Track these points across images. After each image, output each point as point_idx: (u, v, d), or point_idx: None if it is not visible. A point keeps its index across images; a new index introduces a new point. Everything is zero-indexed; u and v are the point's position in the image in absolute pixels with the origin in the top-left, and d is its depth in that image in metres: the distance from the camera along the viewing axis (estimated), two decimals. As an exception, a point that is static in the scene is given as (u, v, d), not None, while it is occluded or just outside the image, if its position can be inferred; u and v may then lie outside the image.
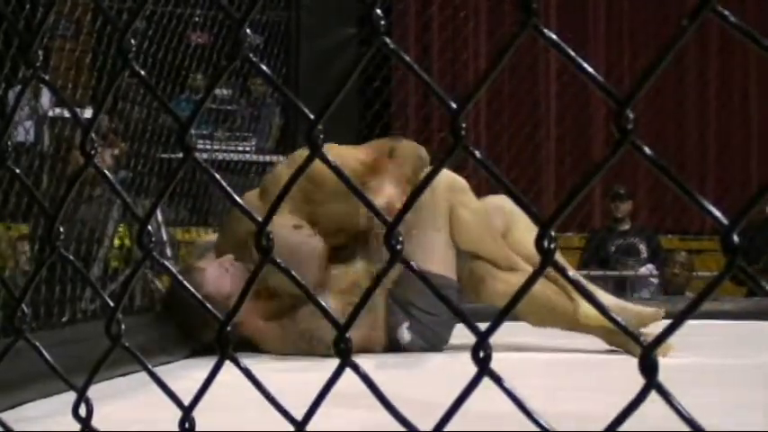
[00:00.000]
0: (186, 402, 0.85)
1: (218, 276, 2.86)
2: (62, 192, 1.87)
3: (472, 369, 0.67)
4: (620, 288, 6.23)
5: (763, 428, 1.72)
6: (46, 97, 4.64)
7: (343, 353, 0.74)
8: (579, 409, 1.91)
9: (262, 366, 2.48)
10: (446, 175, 2.97)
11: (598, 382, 2.44)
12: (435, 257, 2.95)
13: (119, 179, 4.14)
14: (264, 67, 0.78)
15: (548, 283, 2.82)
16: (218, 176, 0.82)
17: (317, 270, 2.87)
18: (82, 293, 3.69)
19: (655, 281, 6.62)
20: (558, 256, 0.64)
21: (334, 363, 0.75)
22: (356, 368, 0.74)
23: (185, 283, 0.90)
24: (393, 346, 3.01)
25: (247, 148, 6.02)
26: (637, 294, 6.09)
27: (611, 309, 0.65)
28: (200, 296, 0.88)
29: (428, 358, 2.91)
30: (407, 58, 0.70)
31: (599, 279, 5.76)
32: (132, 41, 0.85)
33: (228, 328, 0.81)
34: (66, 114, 3.93)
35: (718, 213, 0.58)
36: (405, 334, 3.00)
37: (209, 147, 5.37)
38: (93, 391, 0.93)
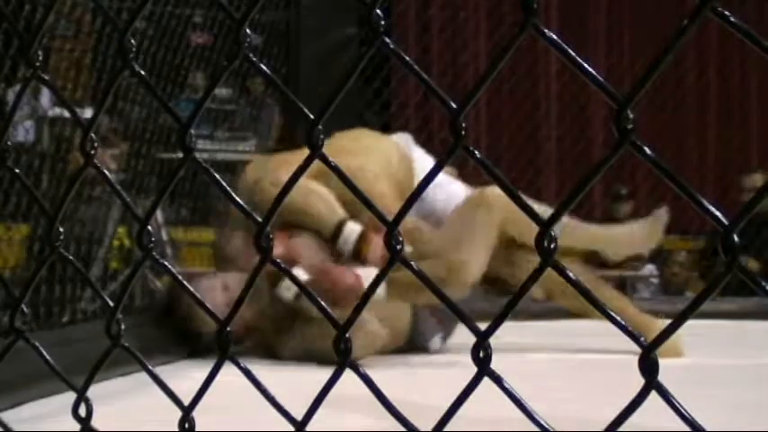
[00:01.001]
0: (186, 402, 0.85)
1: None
2: (62, 192, 1.86)
3: (472, 369, 0.67)
4: (621, 288, 6.22)
5: (763, 428, 1.72)
6: (46, 97, 4.63)
7: (343, 353, 0.74)
8: (579, 409, 1.91)
9: (262, 366, 2.47)
10: (500, 195, 3.00)
11: (598, 383, 2.44)
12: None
13: (118, 180, 4.13)
14: (264, 67, 0.78)
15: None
16: (218, 176, 0.82)
17: None
18: (82, 293, 3.68)
19: (655, 281, 6.61)
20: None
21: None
22: (356, 368, 0.74)
23: (185, 283, 0.90)
24: (417, 347, 3.01)
25: (247, 148, 6.01)
26: (637, 294, 6.08)
27: None
28: (199, 297, 0.88)
29: (429, 358, 2.91)
30: (407, 59, 0.70)
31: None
32: (132, 41, 0.85)
33: (228, 329, 0.81)
34: (67, 114, 3.93)
35: (718, 213, 0.58)
36: (437, 344, 3.01)
37: (209, 147, 5.38)
38: (93, 391, 0.93)
